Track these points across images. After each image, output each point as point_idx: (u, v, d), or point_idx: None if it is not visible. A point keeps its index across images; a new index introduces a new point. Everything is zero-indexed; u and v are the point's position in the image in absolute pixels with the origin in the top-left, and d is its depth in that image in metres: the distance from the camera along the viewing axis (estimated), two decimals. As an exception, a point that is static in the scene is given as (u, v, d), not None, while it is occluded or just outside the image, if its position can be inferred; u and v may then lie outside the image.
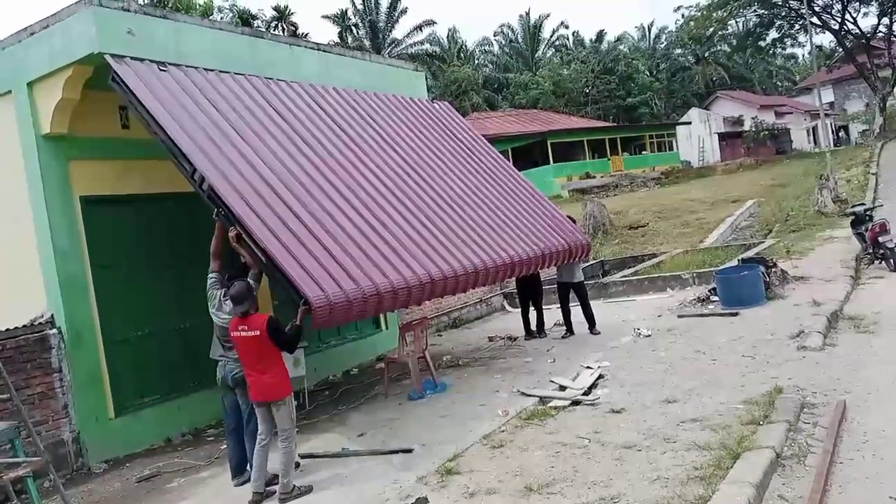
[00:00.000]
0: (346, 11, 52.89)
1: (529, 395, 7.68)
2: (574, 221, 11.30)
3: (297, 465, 6.57)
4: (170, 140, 6.86)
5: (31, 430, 5.59)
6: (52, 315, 7.70)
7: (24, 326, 7.50)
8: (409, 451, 6.46)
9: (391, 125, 10.05)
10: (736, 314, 10.25)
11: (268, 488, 5.98)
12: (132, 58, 7.30)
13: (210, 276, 6.53)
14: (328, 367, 10.72)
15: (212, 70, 8.17)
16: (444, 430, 6.97)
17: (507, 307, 15.00)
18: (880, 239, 11.94)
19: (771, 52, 49.40)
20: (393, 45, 53.35)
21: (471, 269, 8.17)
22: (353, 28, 53.54)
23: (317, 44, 10.97)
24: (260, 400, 5.95)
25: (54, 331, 7.60)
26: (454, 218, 8.87)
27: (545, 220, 10.23)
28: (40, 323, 7.63)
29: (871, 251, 12.41)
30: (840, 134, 51.74)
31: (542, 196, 10.96)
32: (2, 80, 8.02)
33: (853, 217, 13.27)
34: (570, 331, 10.87)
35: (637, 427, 6.17)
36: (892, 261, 11.70)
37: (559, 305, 11.06)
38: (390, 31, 53.92)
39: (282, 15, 48.92)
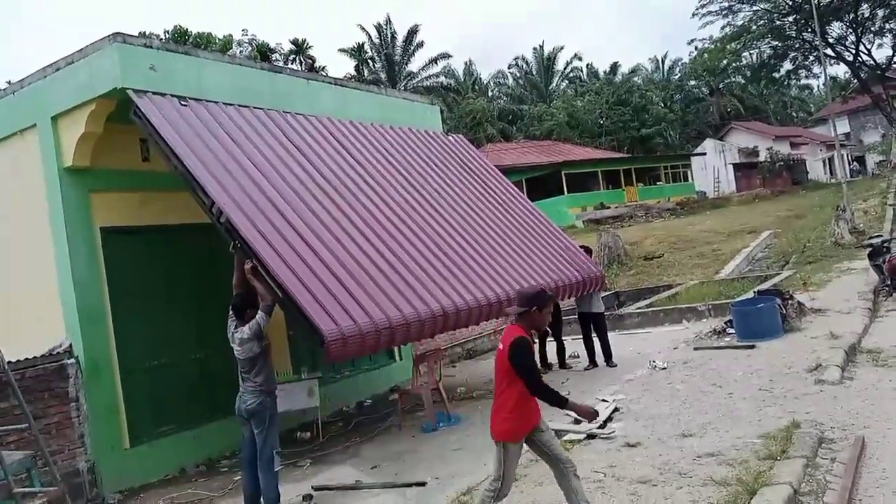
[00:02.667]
0: (363, 45, 53.65)
1: (544, 428, 7.61)
2: (590, 252, 11.27)
3: (310, 497, 6.54)
4: (189, 173, 6.99)
5: (48, 459, 5.62)
6: (71, 344, 7.78)
7: (43, 356, 7.58)
8: (422, 484, 6.43)
9: (406, 158, 10.17)
10: (752, 347, 10.16)
11: None
12: (154, 92, 7.48)
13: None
14: (342, 397, 10.72)
15: (231, 104, 8.34)
16: (457, 463, 6.93)
17: (522, 338, 14.89)
18: (898, 271, 11.85)
19: (785, 83, 49.38)
20: (409, 77, 53.93)
21: (484, 302, 8.20)
22: (369, 61, 54.20)
23: (333, 78, 11.16)
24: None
25: (72, 360, 7.67)
26: (467, 250, 8.92)
27: (558, 252, 10.26)
28: (58, 353, 7.70)
29: (888, 283, 12.30)
30: (853, 165, 51.44)
31: (555, 228, 11.00)
32: (27, 115, 8.22)
33: (870, 248, 13.18)
34: (592, 362, 10.76)
35: (653, 461, 6.11)
36: (910, 293, 11.61)
37: (582, 336, 10.94)
38: (406, 65, 54.54)
39: (299, 48, 49.67)
